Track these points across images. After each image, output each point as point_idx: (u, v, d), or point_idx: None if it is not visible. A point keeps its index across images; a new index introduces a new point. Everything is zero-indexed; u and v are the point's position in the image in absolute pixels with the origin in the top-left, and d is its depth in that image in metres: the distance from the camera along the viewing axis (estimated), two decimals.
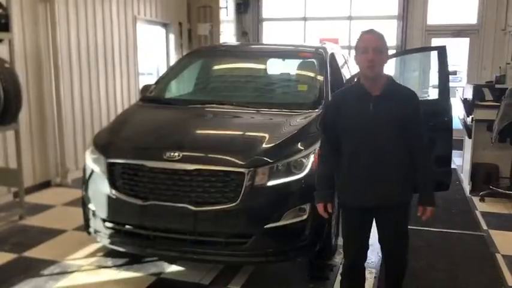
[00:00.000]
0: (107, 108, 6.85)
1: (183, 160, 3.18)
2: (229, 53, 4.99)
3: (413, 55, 9.11)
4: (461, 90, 7.06)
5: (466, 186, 5.91)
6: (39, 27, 5.57)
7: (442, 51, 4.36)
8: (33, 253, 3.84)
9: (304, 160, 3.29)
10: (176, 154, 3.19)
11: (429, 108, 4.17)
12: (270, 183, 3.18)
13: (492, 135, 5.25)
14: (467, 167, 5.98)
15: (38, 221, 4.57)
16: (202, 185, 3.15)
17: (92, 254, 3.80)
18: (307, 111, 3.83)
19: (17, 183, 4.62)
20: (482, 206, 5.30)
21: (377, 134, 2.51)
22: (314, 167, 3.31)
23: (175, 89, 4.67)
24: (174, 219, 3.20)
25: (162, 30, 8.67)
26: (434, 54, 4.51)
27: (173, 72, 4.68)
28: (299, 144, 3.39)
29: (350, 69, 6.27)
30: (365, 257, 2.80)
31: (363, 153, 2.53)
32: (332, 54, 4.81)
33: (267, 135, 3.41)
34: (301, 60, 4.66)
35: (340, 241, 4.10)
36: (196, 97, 4.55)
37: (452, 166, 5.88)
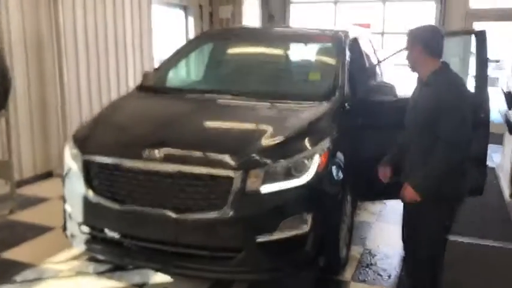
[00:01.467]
0: (118, 96, 6.50)
1: (164, 160, 2.75)
2: (238, 37, 4.47)
3: (450, 41, 8.39)
4: (505, 80, 6.35)
5: (506, 189, 5.26)
6: (40, 10, 5.24)
7: (480, 36, 3.76)
8: (11, 254, 3.52)
9: (306, 161, 2.80)
10: (157, 152, 2.76)
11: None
12: (265, 188, 2.71)
13: None
14: (507, 166, 5.32)
15: (28, 215, 4.26)
16: (185, 189, 2.72)
17: (74, 258, 3.44)
18: (318, 103, 3.33)
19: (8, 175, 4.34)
20: None
21: (413, 117, 2.71)
22: (320, 169, 2.83)
23: (177, 77, 4.25)
24: (154, 227, 2.79)
25: (181, 13, 8.25)
26: (472, 40, 3.92)
27: (176, 58, 4.23)
28: (302, 142, 2.90)
29: (379, 56, 5.74)
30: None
31: (406, 133, 2.79)
32: (355, 40, 4.26)
33: (265, 131, 2.94)
34: (316, 45, 4.13)
35: (353, 251, 3.67)
36: (197, 86, 4.10)
37: (490, 164, 5.26)
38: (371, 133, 3.70)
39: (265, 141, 2.85)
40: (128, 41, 6.66)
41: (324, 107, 3.29)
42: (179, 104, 3.51)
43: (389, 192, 3.95)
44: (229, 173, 2.67)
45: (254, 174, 2.70)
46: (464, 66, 7.54)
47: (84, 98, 5.94)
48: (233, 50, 4.36)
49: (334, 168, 3.04)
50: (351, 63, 3.96)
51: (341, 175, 3.12)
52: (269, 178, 2.72)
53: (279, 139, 2.87)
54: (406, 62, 2.71)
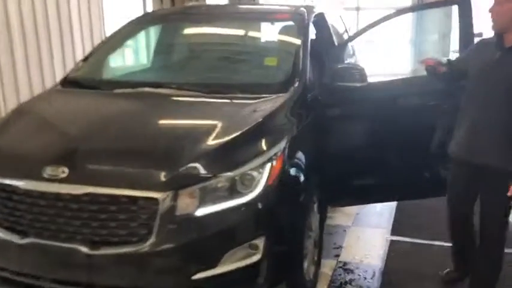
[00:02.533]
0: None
1: (69, 180, 2.13)
2: (185, 17, 3.75)
3: (431, 13, 7.82)
4: None
5: None
6: None
7: (464, 6, 3.21)
8: None
9: (255, 173, 2.22)
10: (60, 171, 2.14)
11: (443, 87, 3.09)
12: (201, 211, 2.12)
13: None
14: None
15: None
16: (99, 216, 2.10)
17: None
18: (272, 95, 2.73)
19: None
20: None
21: (492, 87, 2.42)
22: (273, 180, 2.26)
23: (110, 67, 3.58)
24: (63, 266, 2.19)
25: None
26: (455, 11, 3.37)
27: (110, 44, 3.58)
28: (250, 148, 2.30)
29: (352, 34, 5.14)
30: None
31: (472, 102, 2.51)
32: (321, 16, 3.66)
33: (203, 136, 2.32)
34: (275, 24, 3.50)
35: (324, 267, 3.13)
36: (131, 78, 3.44)
37: None
38: (342, 126, 3.14)
39: (203, 150, 2.24)
40: (74, 26, 5.93)
41: (280, 99, 2.69)
42: (104, 103, 2.86)
43: (369, 194, 3.48)
44: (154, 193, 2.07)
45: (187, 194, 2.11)
46: (445, 44, 7.01)
47: (24, 93, 5.24)
48: (177, 34, 3.69)
49: (292, 175, 2.47)
50: (316, 44, 3.37)
51: (303, 181, 2.56)
52: (207, 198, 2.13)
53: (220, 146, 2.26)
54: (493, 18, 2.38)
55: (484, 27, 6.30)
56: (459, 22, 3.25)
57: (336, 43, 3.83)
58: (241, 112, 2.55)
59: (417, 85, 3.29)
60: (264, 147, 2.31)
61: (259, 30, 3.43)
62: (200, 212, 2.11)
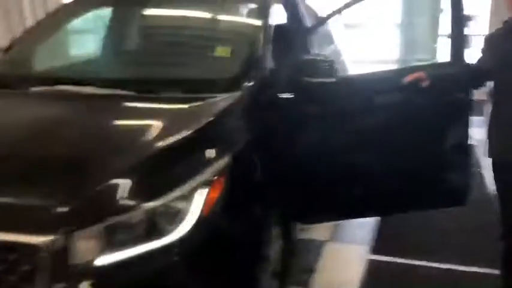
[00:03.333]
0: None
1: None
2: None
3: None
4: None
5: (489, 178, 4.25)
6: None
7: None
8: None
9: (183, 203, 1.67)
10: None
11: (436, 80, 2.57)
12: (107, 258, 1.57)
13: None
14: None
15: None
16: None
17: None
18: (220, 95, 2.17)
19: None
20: None
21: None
22: (209, 212, 1.71)
23: (39, 59, 2.98)
24: None
25: None
26: None
27: (35, 33, 2.98)
28: (179, 169, 1.74)
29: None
30: None
31: (504, 97, 2.32)
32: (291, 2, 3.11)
33: (113, 156, 1.75)
34: (231, 5, 2.91)
35: None
36: (52, 73, 2.79)
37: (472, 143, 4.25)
38: (310, 130, 2.59)
39: (112, 174, 1.67)
40: None
41: (228, 100, 2.13)
42: (7, 107, 2.26)
43: (347, 209, 2.96)
44: (34, 237, 1.51)
45: (86, 236, 1.55)
46: (433, 27, 6.45)
47: None
48: (114, 18, 3.04)
49: (242, 199, 1.92)
50: (283, 30, 2.80)
51: (259, 204, 2.03)
52: (115, 240, 1.58)
53: (136, 168, 1.70)
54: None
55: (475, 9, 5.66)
56: (451, 3, 2.70)
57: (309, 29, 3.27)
58: (173, 120, 1.98)
59: (401, 78, 2.74)
60: (198, 168, 1.76)
61: (212, 12, 2.81)
62: (104, 259, 1.56)
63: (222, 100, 2.13)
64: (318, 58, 2.45)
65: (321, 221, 2.93)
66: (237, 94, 2.20)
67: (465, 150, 2.77)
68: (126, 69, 2.57)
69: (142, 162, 1.71)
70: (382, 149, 2.72)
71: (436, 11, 7.28)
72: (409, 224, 3.39)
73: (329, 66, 2.42)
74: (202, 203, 1.68)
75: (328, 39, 4.29)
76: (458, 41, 2.67)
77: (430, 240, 3.25)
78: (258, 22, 2.61)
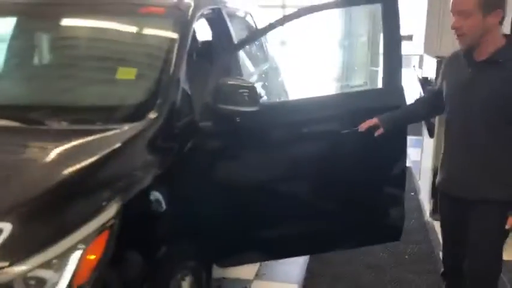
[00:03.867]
0: None
1: None
2: (23, 8, 2.55)
3: (358, 14, 7.22)
4: (418, 63, 5.22)
5: (425, 205, 4.15)
6: None
7: (389, 5, 2.51)
8: None
9: (48, 272, 1.33)
10: None
11: (365, 109, 2.37)
12: None
13: None
14: (426, 177, 4.20)
15: None
16: None
17: None
18: (117, 127, 1.85)
19: None
20: None
21: (469, 109, 1.99)
22: (84, 279, 1.37)
23: None
24: None
25: None
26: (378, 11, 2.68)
27: None
28: (44, 227, 1.40)
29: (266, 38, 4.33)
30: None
31: (454, 129, 2.10)
32: (215, 14, 2.82)
33: None
34: (142, 21, 2.56)
35: None
36: None
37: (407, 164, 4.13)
38: (228, 164, 2.32)
39: None
40: None
41: (125, 135, 1.81)
42: None
43: (276, 247, 2.69)
44: None
45: None
46: (374, 47, 6.39)
47: None
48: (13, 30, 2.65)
49: (135, 257, 1.60)
50: (201, 49, 2.53)
51: (161, 255, 1.72)
52: None
53: None
54: (459, 33, 1.94)
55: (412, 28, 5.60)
56: (383, 23, 2.53)
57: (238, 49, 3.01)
58: (51, 160, 1.63)
59: (334, 105, 2.52)
60: (75, 223, 1.42)
61: (117, 26, 2.46)
62: None
63: (120, 133, 1.81)
64: (235, 83, 2.17)
65: (243, 262, 2.64)
66: (139, 125, 1.89)
67: (401, 182, 2.59)
68: (16, 91, 2.18)
69: None
70: (312, 183, 2.50)
71: (376, 30, 7.24)
72: (342, 259, 3.17)
73: (249, 92, 2.15)
74: (73, 270, 1.34)
75: (262, 58, 4.06)
76: (392, 64, 2.50)
77: (364, 276, 3.05)
78: (172, 38, 2.30)
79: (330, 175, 2.46)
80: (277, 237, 2.51)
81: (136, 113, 1.94)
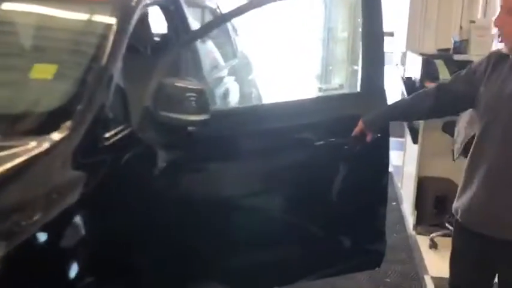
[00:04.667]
0: None
1: None
2: None
3: (338, 9, 6.83)
4: (400, 60, 4.85)
5: (408, 216, 3.79)
6: None
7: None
8: None
9: None
10: None
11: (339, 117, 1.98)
12: None
13: (454, 145, 3.07)
14: (409, 186, 3.84)
15: None
16: None
17: None
18: (15, 143, 1.42)
19: None
20: (435, 261, 3.18)
21: (507, 124, 1.59)
22: None
23: None
24: None
25: None
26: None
27: None
28: None
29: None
30: None
31: (490, 150, 1.64)
32: (172, 1, 2.42)
33: None
34: (69, 7, 2.08)
35: None
36: None
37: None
38: (172, 185, 1.90)
39: None
40: None
41: (28, 153, 1.38)
42: None
43: (236, 280, 2.26)
44: None
45: None
46: (355, 44, 5.98)
47: None
48: None
49: None
50: (155, 45, 2.11)
51: None
52: None
53: None
54: (505, 32, 1.61)
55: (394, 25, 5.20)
56: (362, 16, 2.14)
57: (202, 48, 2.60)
58: None
59: (305, 112, 2.12)
60: None
61: (44, 15, 2.01)
62: None
63: (19, 152, 1.37)
64: (181, 85, 1.75)
65: None
66: (48, 139, 1.45)
67: (382, 201, 2.21)
68: None
69: None
70: (279, 204, 2.10)
71: (357, 24, 6.82)
72: (316, 284, 2.77)
73: (198, 97, 1.74)
74: None
75: (230, 54, 3.64)
76: (372, 64, 2.11)
77: None
78: (106, 27, 1.87)
79: (300, 195, 2.07)
80: (238, 268, 2.10)
81: (47, 124, 1.51)
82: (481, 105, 1.66)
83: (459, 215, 1.75)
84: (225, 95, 3.20)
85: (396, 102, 2.06)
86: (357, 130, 1.95)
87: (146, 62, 1.97)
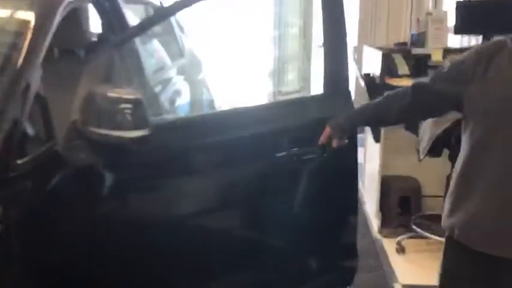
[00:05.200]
0: None
1: None
2: None
3: (290, 4, 6.61)
4: (352, 55, 4.64)
5: (372, 218, 3.63)
6: None
7: None
8: None
9: None
10: None
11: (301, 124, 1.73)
12: None
13: (420, 144, 2.90)
14: (372, 185, 3.68)
15: None
16: None
17: None
18: None
19: None
20: (404, 267, 3.02)
21: None
22: None
23: None
24: None
25: None
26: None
27: None
28: None
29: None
30: None
31: (495, 159, 1.39)
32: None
33: None
34: None
35: None
36: None
37: None
38: (104, 215, 1.60)
39: None
40: None
41: None
42: None
43: None
44: None
45: None
46: (306, 40, 5.78)
47: None
48: None
49: None
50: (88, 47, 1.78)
51: None
52: None
53: None
54: None
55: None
56: (323, 10, 1.90)
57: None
58: None
59: (262, 120, 1.85)
60: None
61: None
62: None
63: None
64: (112, 95, 1.45)
65: None
66: None
67: (352, 218, 2.00)
68: None
69: None
70: (234, 225, 1.83)
71: (307, 18, 6.61)
72: None
73: (134, 109, 1.44)
74: None
75: (176, 54, 3.34)
76: (336, 62, 1.88)
77: None
78: (22, 25, 1.55)
79: (261, 213, 1.81)
80: None
81: None
82: (475, 108, 1.42)
83: (457, 233, 1.49)
84: (173, 99, 2.91)
85: (365, 105, 1.83)
86: (323, 137, 1.71)
87: (75, 66, 1.65)
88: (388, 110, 1.66)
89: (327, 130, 1.70)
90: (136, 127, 1.41)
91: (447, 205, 1.54)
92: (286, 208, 1.86)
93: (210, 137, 1.65)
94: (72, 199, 1.47)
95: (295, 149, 1.77)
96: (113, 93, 1.44)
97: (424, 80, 1.58)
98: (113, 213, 1.54)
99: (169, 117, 1.71)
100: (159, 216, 1.60)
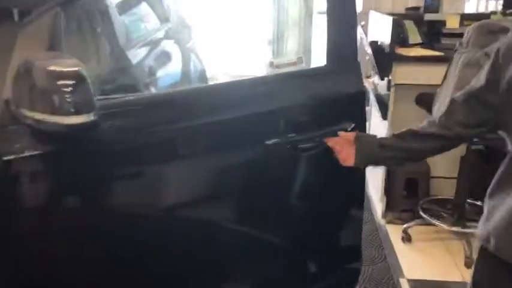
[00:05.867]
0: None
1: None
2: None
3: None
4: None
5: (376, 202, 3.33)
6: None
7: None
8: None
9: None
10: None
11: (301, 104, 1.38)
12: None
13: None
14: (376, 169, 3.35)
15: None
16: None
17: None
18: None
19: None
20: (410, 259, 2.74)
21: None
22: None
23: None
24: None
25: None
26: None
27: None
28: None
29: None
30: None
31: None
32: None
33: None
34: None
35: None
36: None
37: None
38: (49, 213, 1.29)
39: None
40: None
41: None
42: None
43: None
44: None
45: None
46: (306, 32, 5.28)
47: None
48: None
49: None
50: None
51: None
52: None
53: None
54: None
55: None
56: None
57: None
58: None
59: (249, 98, 1.51)
60: None
61: None
62: None
63: None
64: (50, 68, 1.09)
65: None
66: None
67: (358, 215, 1.69)
68: None
69: None
70: (220, 224, 1.53)
71: (308, 11, 6.11)
72: None
73: (76, 86, 1.09)
74: None
75: (160, 17, 2.96)
76: (342, 30, 1.53)
77: None
78: None
79: (255, 210, 1.51)
80: None
81: None
82: None
83: (492, 244, 1.22)
84: (155, 71, 2.56)
85: (409, 145, 1.36)
86: (337, 145, 1.39)
87: (8, 30, 1.30)
88: (432, 137, 1.31)
89: (348, 140, 1.36)
90: (77, 111, 1.08)
91: (486, 207, 1.25)
92: (282, 205, 1.55)
93: (180, 121, 1.31)
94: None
95: (292, 135, 1.44)
96: (50, 66, 1.09)
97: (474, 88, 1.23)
98: (50, 217, 1.23)
99: (126, 96, 1.36)
100: (106, 225, 1.28)
